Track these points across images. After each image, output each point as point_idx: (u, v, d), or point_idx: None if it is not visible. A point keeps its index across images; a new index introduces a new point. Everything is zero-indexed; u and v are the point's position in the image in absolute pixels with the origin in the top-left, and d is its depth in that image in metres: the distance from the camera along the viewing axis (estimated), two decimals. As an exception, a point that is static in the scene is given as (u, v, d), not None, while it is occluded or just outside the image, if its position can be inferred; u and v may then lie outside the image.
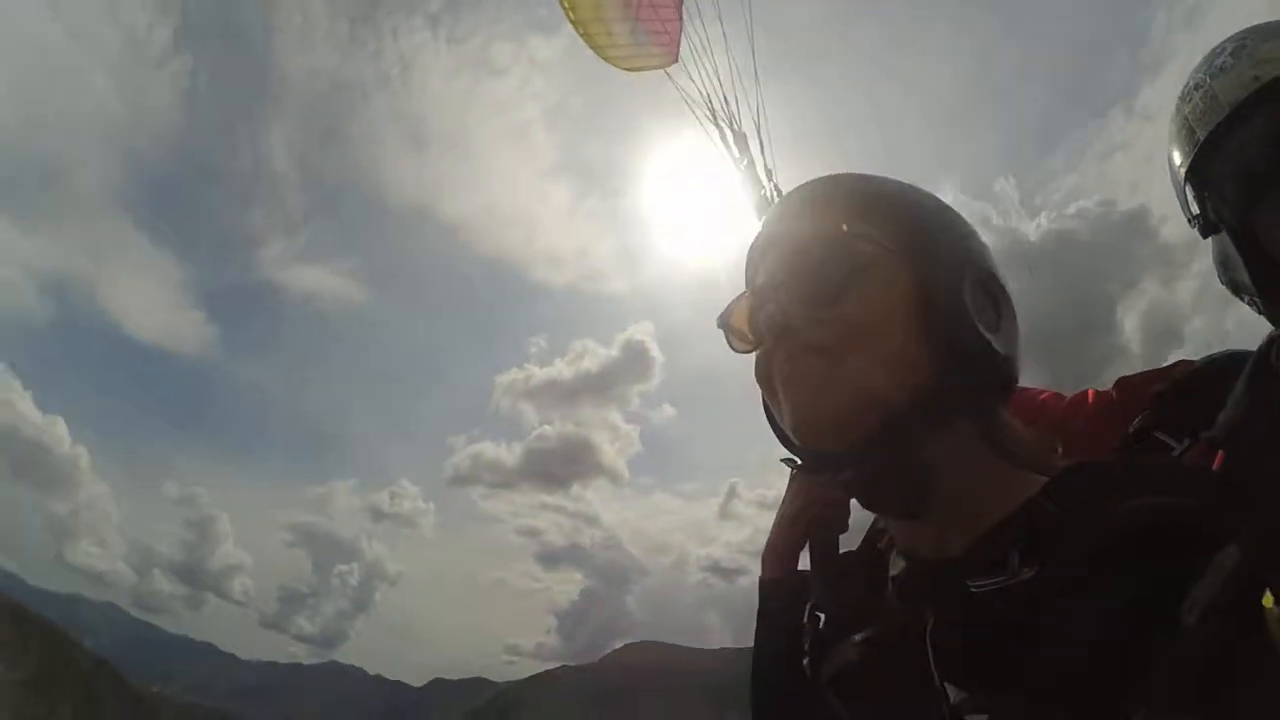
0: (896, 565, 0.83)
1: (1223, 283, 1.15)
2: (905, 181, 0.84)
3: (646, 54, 2.42)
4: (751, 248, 0.85)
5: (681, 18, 2.34)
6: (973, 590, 0.69)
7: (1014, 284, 0.82)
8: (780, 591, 1.08)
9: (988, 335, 0.74)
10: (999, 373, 0.77)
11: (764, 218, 0.86)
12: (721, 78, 2.19)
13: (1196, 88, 1.15)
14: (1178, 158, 1.19)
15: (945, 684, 0.71)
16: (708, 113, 2.17)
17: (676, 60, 2.41)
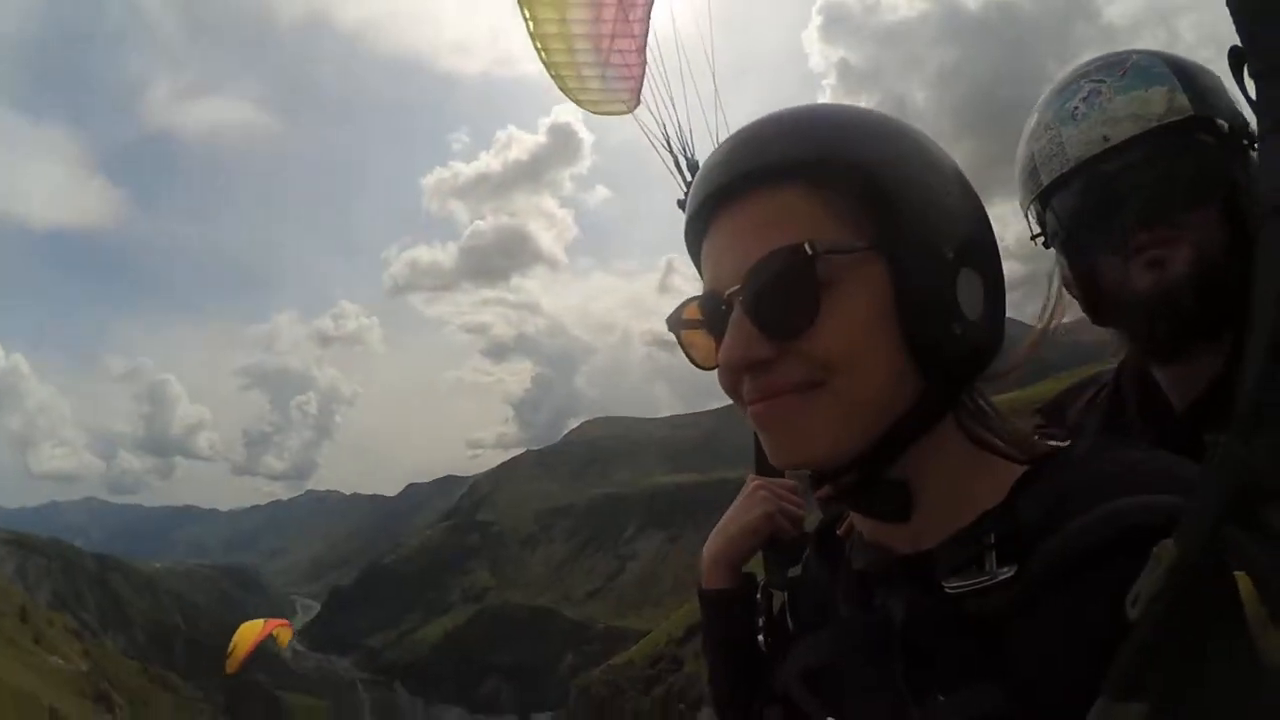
0: (860, 555, 0.78)
1: (1063, 283, 1.19)
2: (864, 117, 0.70)
3: (614, 98, 2.53)
4: (692, 210, 0.73)
5: (645, 62, 2.38)
6: (948, 591, 0.66)
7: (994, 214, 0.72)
8: (733, 605, 1.02)
9: (977, 318, 0.67)
10: (988, 353, 0.70)
11: (703, 165, 0.72)
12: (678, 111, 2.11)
13: (1046, 128, 1.15)
14: (1021, 192, 1.24)
15: (920, 683, 0.67)
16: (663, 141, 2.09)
17: (639, 105, 2.44)
